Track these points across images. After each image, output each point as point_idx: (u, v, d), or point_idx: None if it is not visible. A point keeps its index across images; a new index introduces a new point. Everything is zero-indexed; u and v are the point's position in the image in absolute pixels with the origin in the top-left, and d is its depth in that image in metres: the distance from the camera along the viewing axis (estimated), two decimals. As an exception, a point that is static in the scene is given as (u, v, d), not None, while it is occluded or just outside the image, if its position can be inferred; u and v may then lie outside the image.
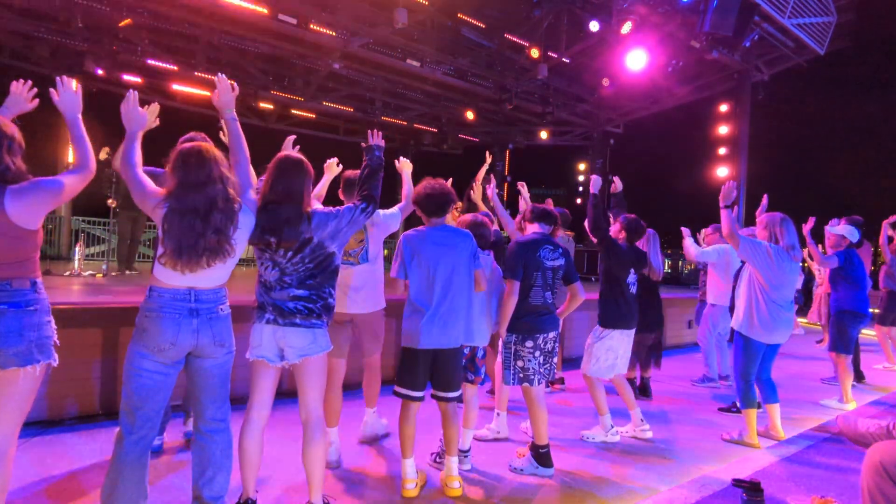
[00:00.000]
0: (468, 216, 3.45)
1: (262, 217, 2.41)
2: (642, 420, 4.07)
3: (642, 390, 5.29)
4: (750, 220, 4.46)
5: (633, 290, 4.15)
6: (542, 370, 3.35)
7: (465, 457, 3.33)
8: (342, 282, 3.23)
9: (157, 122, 2.65)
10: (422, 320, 2.88)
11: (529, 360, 3.31)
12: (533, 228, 3.53)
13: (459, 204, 8.44)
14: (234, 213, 2.25)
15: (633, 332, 4.15)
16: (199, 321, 2.22)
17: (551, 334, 3.39)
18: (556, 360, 3.49)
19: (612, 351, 4.00)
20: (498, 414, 3.90)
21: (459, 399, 3.02)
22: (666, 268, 18.36)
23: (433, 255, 2.93)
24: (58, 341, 2.16)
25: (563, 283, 3.54)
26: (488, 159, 4.87)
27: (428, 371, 2.95)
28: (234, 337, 2.38)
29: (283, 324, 2.42)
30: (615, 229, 4.29)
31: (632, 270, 4.12)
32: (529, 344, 3.31)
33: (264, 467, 2.85)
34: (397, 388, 2.95)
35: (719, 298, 5.68)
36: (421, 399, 2.95)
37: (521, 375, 3.33)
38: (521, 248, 3.32)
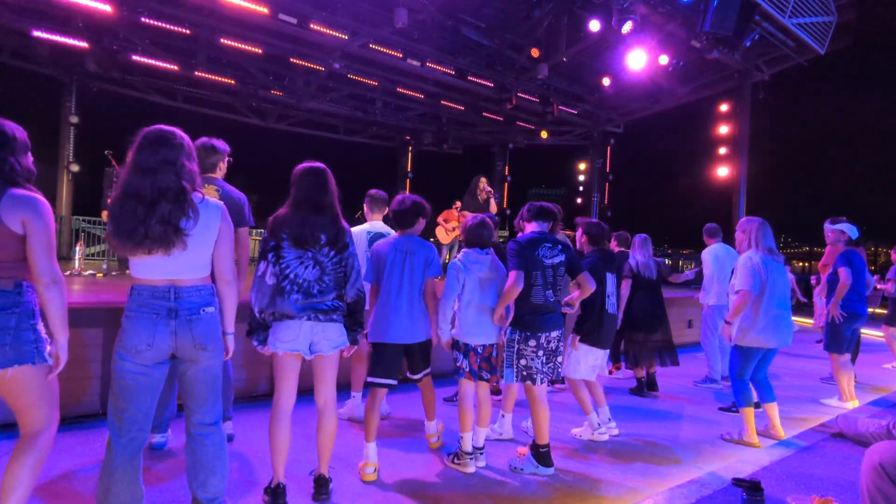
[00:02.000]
0: (469, 217, 3.47)
1: (311, 220, 2.61)
2: (609, 418, 4.13)
3: (650, 385, 5.41)
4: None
5: (616, 304, 4.11)
6: (545, 369, 3.35)
7: (481, 454, 3.36)
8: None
9: None
10: (387, 318, 3.21)
11: (532, 359, 3.30)
12: (531, 227, 3.52)
13: (458, 203, 8.43)
14: (189, 207, 2.14)
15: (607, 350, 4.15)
16: (178, 323, 2.15)
17: (554, 333, 3.37)
18: (560, 359, 3.47)
19: (591, 354, 4.01)
20: (503, 416, 3.90)
21: (426, 376, 3.44)
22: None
23: (392, 260, 3.28)
24: (48, 339, 2.14)
25: (569, 278, 3.50)
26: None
27: (397, 362, 3.29)
28: (221, 339, 2.32)
29: (325, 320, 2.65)
30: (578, 235, 4.29)
31: (608, 276, 4.02)
32: (532, 343, 3.30)
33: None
34: (369, 378, 3.25)
35: (714, 298, 5.79)
36: (391, 386, 3.26)
37: (525, 374, 3.32)
38: (519, 247, 3.31)
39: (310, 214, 2.62)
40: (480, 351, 3.33)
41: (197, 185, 2.24)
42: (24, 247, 2.05)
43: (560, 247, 3.40)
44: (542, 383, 3.34)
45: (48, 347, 2.12)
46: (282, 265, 2.60)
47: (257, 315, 2.60)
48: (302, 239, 2.59)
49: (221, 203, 2.34)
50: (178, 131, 2.25)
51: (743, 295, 3.86)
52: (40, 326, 2.12)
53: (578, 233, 4.30)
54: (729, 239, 6.05)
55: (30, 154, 2.18)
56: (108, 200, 7.61)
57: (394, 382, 3.24)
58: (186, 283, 2.19)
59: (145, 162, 2.13)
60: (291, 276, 2.60)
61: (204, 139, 3.46)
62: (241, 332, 4.64)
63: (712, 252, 5.91)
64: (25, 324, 2.06)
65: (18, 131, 2.14)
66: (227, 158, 3.55)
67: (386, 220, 4.36)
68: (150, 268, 2.15)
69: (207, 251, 2.26)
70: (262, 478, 3.01)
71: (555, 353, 3.41)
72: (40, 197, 2.09)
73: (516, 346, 3.34)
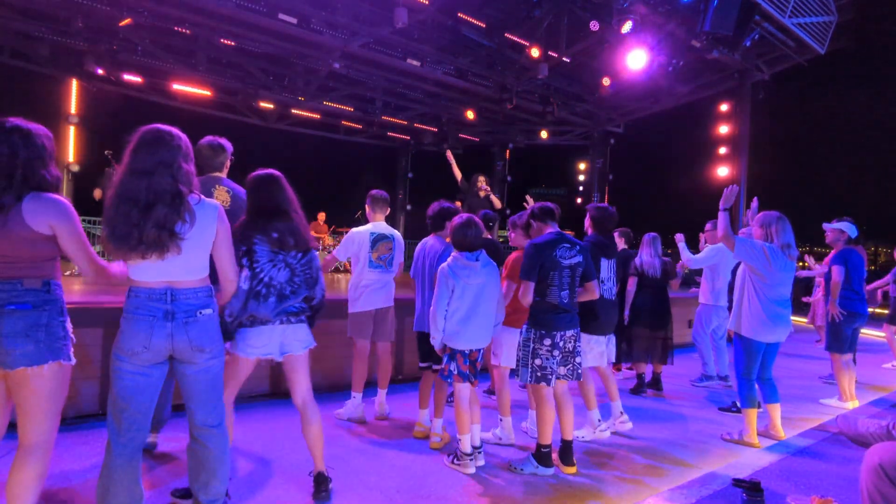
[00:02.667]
0: (455, 218, 3.42)
1: (285, 224, 2.69)
2: (622, 412, 4.13)
3: (655, 385, 5.46)
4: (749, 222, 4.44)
5: (613, 290, 4.13)
6: (561, 370, 3.34)
7: (479, 453, 3.36)
8: (374, 281, 4.15)
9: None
10: (419, 309, 3.83)
11: (547, 359, 3.29)
12: (548, 228, 3.48)
13: (458, 203, 8.46)
14: (185, 210, 2.13)
15: (610, 335, 4.16)
16: (175, 325, 2.14)
17: (569, 332, 3.36)
18: (578, 359, 3.44)
19: (593, 341, 4.01)
20: (501, 419, 3.86)
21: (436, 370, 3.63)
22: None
23: (421, 260, 3.85)
24: (74, 339, 2.18)
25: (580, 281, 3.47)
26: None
27: (424, 348, 3.75)
28: (220, 341, 2.31)
29: (295, 322, 2.74)
30: (586, 220, 4.28)
31: (602, 261, 4.05)
32: (547, 342, 3.29)
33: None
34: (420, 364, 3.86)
35: (709, 298, 5.85)
36: (426, 368, 3.81)
37: (539, 374, 3.30)
38: (537, 250, 3.30)
39: (282, 219, 2.69)
40: (467, 353, 3.32)
41: (193, 187, 2.22)
42: (51, 247, 2.08)
43: (578, 248, 3.40)
44: (554, 384, 3.34)
45: (72, 348, 2.16)
46: (255, 269, 2.61)
47: (228, 320, 2.57)
48: (283, 242, 2.65)
49: (218, 203, 2.33)
50: (176, 131, 2.22)
51: (724, 240, 3.86)
52: (68, 324, 2.15)
53: (587, 217, 4.30)
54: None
55: (53, 161, 2.18)
56: (96, 191, 7.67)
57: (425, 365, 3.79)
58: (184, 286, 2.18)
59: (141, 164, 2.11)
60: (266, 279, 2.62)
61: (210, 138, 3.42)
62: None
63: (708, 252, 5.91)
64: (56, 320, 2.10)
65: (49, 140, 2.15)
66: (231, 157, 3.53)
67: (387, 220, 4.36)
68: (147, 270, 2.14)
69: (205, 253, 2.25)
70: (263, 478, 3.01)
71: (572, 353, 3.39)
72: (63, 199, 2.11)
73: (531, 346, 3.32)
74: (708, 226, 6.07)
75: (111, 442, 2.17)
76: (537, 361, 3.30)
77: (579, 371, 3.46)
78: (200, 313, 2.21)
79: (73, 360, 2.15)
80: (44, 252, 2.07)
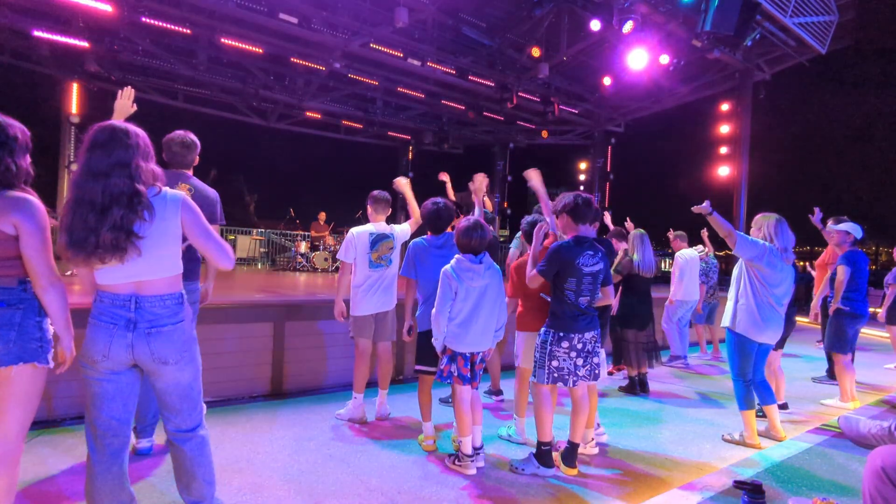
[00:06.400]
0: (462, 220, 3.38)
1: None
2: (598, 424, 3.99)
3: (641, 386, 5.41)
4: (750, 222, 4.42)
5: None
6: (578, 372, 3.32)
7: (479, 454, 3.36)
8: (375, 280, 4.10)
9: (135, 108, 2.90)
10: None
11: (564, 360, 3.28)
12: (572, 232, 3.40)
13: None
14: (143, 209, 1.99)
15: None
16: (135, 335, 2.02)
17: (588, 335, 3.33)
18: (596, 360, 3.41)
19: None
20: (516, 418, 3.86)
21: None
22: (665, 267, 18.44)
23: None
24: (52, 340, 2.11)
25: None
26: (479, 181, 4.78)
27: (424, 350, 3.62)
28: (190, 350, 2.16)
29: None
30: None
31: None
32: (565, 344, 3.28)
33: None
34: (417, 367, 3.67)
35: (679, 295, 6.78)
36: (431, 373, 3.59)
37: (556, 375, 3.29)
38: (557, 254, 3.25)
39: None
40: (468, 356, 3.31)
41: (156, 180, 2.09)
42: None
43: (601, 254, 3.35)
44: (574, 385, 3.33)
45: (52, 350, 2.09)
46: None
47: None
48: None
49: (181, 194, 2.16)
50: (132, 128, 2.08)
51: (727, 237, 3.79)
52: (47, 325, 2.08)
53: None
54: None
55: (28, 156, 2.11)
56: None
57: (433, 370, 3.49)
58: (151, 290, 2.06)
59: (97, 165, 1.97)
60: None
61: (181, 133, 3.30)
62: (238, 331, 4.62)
63: (682, 255, 6.86)
64: (30, 320, 2.02)
65: (21, 132, 2.08)
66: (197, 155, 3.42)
67: (387, 220, 4.36)
68: (111, 273, 2.03)
69: (172, 248, 2.10)
70: (263, 479, 3.01)
71: (591, 353, 3.37)
72: (32, 198, 2.02)
73: (549, 348, 3.30)
74: (671, 235, 7.01)
75: (89, 448, 2.11)
76: (554, 363, 3.29)
77: (597, 371, 3.42)
78: (167, 324, 2.09)
79: (51, 364, 2.07)
80: (16, 251, 1.99)
